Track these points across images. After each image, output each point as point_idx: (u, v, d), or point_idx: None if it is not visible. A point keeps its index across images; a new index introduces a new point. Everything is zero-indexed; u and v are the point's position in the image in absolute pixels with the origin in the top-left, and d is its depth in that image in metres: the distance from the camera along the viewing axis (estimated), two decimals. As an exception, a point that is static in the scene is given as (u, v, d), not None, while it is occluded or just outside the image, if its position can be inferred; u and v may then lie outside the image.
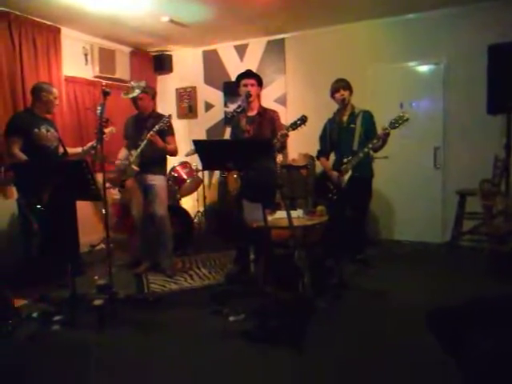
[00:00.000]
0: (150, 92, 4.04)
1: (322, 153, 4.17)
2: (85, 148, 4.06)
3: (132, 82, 4.02)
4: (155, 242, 4.03)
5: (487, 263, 3.58)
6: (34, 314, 3.07)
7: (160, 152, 3.92)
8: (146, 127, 3.79)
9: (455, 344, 1.59)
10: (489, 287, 3.18)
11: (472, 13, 4.61)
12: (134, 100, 3.94)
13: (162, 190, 4.01)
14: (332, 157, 4.16)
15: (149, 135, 3.70)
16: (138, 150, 3.75)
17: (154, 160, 3.91)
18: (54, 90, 3.88)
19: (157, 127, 3.70)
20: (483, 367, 1.44)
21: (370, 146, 3.67)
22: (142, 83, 3.89)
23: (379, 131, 3.66)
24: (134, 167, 3.78)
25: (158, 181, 3.96)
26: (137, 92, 3.77)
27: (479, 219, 4.18)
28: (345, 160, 3.80)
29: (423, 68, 5.01)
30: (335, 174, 3.85)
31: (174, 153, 4.08)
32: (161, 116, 3.88)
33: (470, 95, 4.62)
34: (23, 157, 3.59)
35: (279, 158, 4.38)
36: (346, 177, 3.77)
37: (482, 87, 4.12)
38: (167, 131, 3.92)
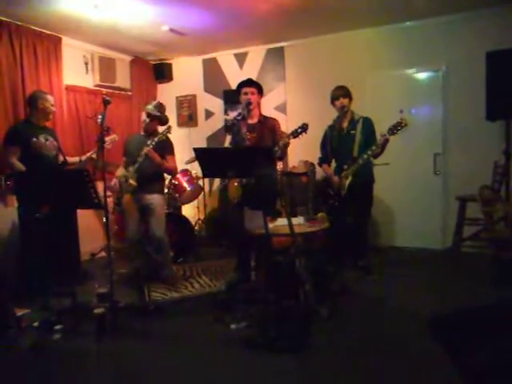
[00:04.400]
0: (163, 120, 3.99)
1: (324, 160, 4.19)
2: (83, 158, 4.05)
3: (157, 102, 4.02)
4: (153, 258, 3.95)
5: (489, 269, 3.57)
6: (35, 323, 3.06)
7: (157, 169, 3.85)
8: (146, 145, 3.72)
9: (456, 351, 1.59)
10: (491, 294, 3.17)
11: (470, 20, 4.65)
12: (149, 117, 3.85)
13: (161, 210, 3.92)
14: (333, 163, 4.17)
15: (145, 149, 3.65)
16: (136, 165, 3.71)
17: (151, 178, 3.83)
18: (50, 98, 3.88)
19: (156, 139, 3.66)
20: (483, 375, 1.44)
21: (370, 152, 3.70)
22: (163, 107, 3.96)
23: (378, 137, 3.68)
24: (132, 182, 3.72)
25: (156, 200, 3.86)
26: (157, 114, 3.83)
27: (480, 225, 4.18)
28: (345, 167, 3.82)
29: (422, 75, 5.04)
30: (337, 178, 3.86)
31: (172, 171, 4.04)
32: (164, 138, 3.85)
33: (468, 101, 4.65)
34: (20, 166, 3.60)
35: (279, 165, 4.40)
36: (347, 183, 3.78)
37: (480, 93, 4.14)
38: (167, 150, 3.87)
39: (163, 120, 3.99)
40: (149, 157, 3.69)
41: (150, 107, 3.90)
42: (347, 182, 3.77)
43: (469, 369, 1.51)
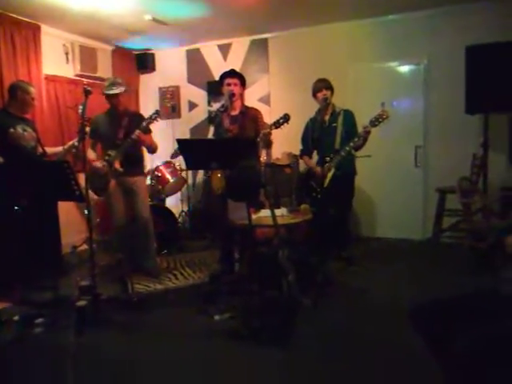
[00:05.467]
0: (128, 90, 3.97)
1: (305, 152, 4.21)
2: (66, 147, 3.98)
3: (111, 78, 3.95)
4: (138, 245, 3.95)
5: (466, 259, 3.66)
6: (16, 317, 3.02)
7: (138, 151, 3.87)
8: (123, 126, 3.68)
9: (436, 341, 1.63)
10: (468, 283, 3.25)
11: (451, 15, 4.71)
12: (113, 96, 3.75)
13: (144, 191, 3.97)
14: (315, 156, 4.19)
15: (135, 135, 3.58)
16: (120, 151, 3.65)
17: (133, 160, 3.82)
18: (32, 90, 3.75)
19: (144, 124, 3.60)
20: (461, 364, 1.48)
21: (352, 144, 3.73)
22: (119, 79, 3.84)
23: (360, 129, 3.71)
24: (118, 167, 3.67)
25: (139, 182, 3.90)
26: (121, 89, 3.72)
27: (459, 216, 4.28)
28: (327, 159, 3.85)
29: (404, 68, 5.09)
30: (319, 170, 3.89)
31: (155, 149, 4.01)
32: (136, 114, 3.85)
33: (449, 95, 4.72)
34: None
35: (263, 156, 4.41)
36: (329, 175, 3.81)
37: (460, 87, 4.22)
38: (147, 130, 3.80)
39: (128, 90, 3.97)
40: (140, 140, 3.64)
41: (107, 90, 3.73)
42: (330, 174, 3.80)
43: (447, 356, 1.55)
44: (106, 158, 3.72)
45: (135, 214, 3.87)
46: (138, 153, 3.89)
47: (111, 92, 3.71)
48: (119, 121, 3.75)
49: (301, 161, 4.37)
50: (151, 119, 3.62)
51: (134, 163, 3.82)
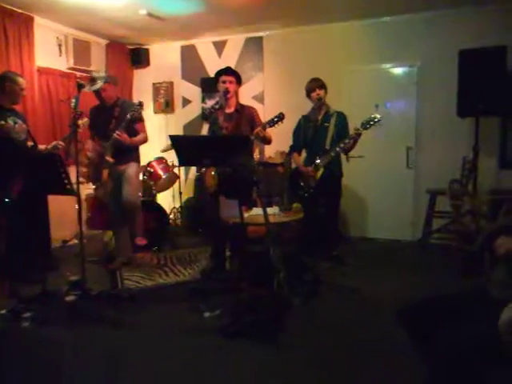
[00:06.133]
0: (113, 81, 3.95)
1: (295, 148, 4.21)
2: (49, 146, 3.84)
3: (93, 73, 3.94)
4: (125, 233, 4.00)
5: (455, 261, 3.71)
6: (3, 311, 2.98)
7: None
8: (114, 117, 3.76)
9: (422, 340, 1.66)
10: (455, 284, 3.30)
11: (445, 18, 4.75)
12: (97, 91, 3.81)
13: (134, 177, 3.96)
14: (303, 153, 4.20)
15: (115, 135, 3.66)
16: (109, 143, 3.73)
17: (124, 150, 3.84)
18: (21, 80, 3.67)
19: (123, 124, 3.67)
20: (445, 363, 1.51)
21: (342, 145, 3.75)
22: (103, 73, 3.85)
23: (352, 131, 3.74)
24: (109, 158, 3.74)
25: (130, 168, 3.92)
26: (100, 84, 3.72)
27: (448, 218, 4.33)
28: (317, 158, 3.86)
29: (397, 70, 5.12)
30: (307, 169, 3.89)
31: (143, 142, 4.02)
32: (127, 103, 3.87)
33: (441, 98, 4.77)
34: None
35: (256, 154, 4.41)
36: (318, 174, 3.83)
37: (453, 90, 4.26)
38: (136, 119, 3.83)
39: (112, 80, 3.94)
40: (120, 140, 3.70)
41: (98, 75, 3.80)
42: (319, 173, 3.81)
43: (432, 354, 1.58)
44: (99, 149, 3.81)
45: (122, 199, 3.87)
46: (128, 145, 3.87)
47: (92, 89, 3.75)
48: (111, 112, 3.81)
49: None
50: (134, 112, 3.67)
51: (124, 152, 3.84)
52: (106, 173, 3.84)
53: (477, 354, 1.47)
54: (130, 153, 3.95)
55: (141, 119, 3.95)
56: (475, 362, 1.48)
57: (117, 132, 3.68)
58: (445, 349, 1.51)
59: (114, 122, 3.76)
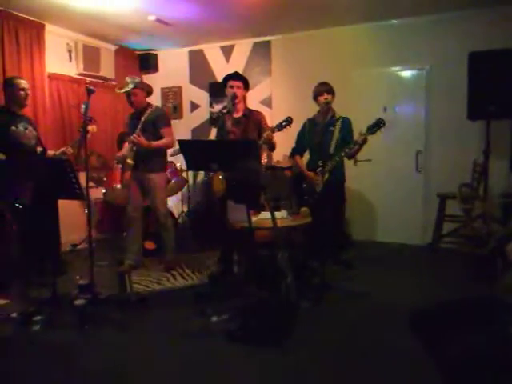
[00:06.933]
0: (145, 88, 4.05)
1: (297, 151, 4.19)
2: (57, 152, 3.90)
3: (127, 78, 4.00)
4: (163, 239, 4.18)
5: (466, 265, 3.66)
6: (14, 314, 3.01)
7: (151, 149, 3.91)
8: (142, 121, 3.88)
9: (434, 345, 1.63)
10: (467, 288, 3.25)
11: (454, 20, 4.72)
12: (128, 95, 3.93)
13: (160, 188, 4.05)
14: (306, 156, 4.17)
15: (132, 137, 3.77)
16: (129, 146, 3.88)
17: (147, 156, 3.89)
18: (22, 82, 3.70)
19: (139, 127, 3.78)
20: (457, 367, 1.49)
21: (347, 149, 3.69)
22: (137, 79, 3.94)
23: (356, 136, 3.69)
24: (129, 161, 3.87)
25: (154, 178, 3.98)
26: (130, 87, 3.80)
27: (459, 222, 4.28)
28: (320, 162, 3.81)
29: (406, 73, 5.10)
30: (311, 174, 3.86)
31: (167, 146, 4.09)
32: (156, 109, 4.00)
33: (451, 101, 4.73)
34: (0, 155, 3.51)
35: (264, 158, 4.40)
36: (324, 179, 3.80)
37: (463, 93, 4.22)
38: (161, 122, 3.93)
39: (146, 88, 4.06)
40: (137, 143, 3.79)
41: (131, 80, 3.90)
42: (324, 178, 3.77)
43: (444, 361, 1.56)
44: (125, 152, 3.98)
45: (154, 211, 4.09)
46: (151, 150, 3.90)
47: (121, 91, 3.93)
48: (139, 116, 3.93)
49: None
50: (153, 115, 3.90)
51: (147, 159, 3.91)
52: (127, 175, 3.97)
53: (489, 361, 1.45)
54: (153, 160, 3.94)
55: (166, 124, 4.00)
56: (488, 369, 1.46)
57: (134, 135, 3.79)
58: (458, 356, 1.49)
59: (140, 127, 3.86)
